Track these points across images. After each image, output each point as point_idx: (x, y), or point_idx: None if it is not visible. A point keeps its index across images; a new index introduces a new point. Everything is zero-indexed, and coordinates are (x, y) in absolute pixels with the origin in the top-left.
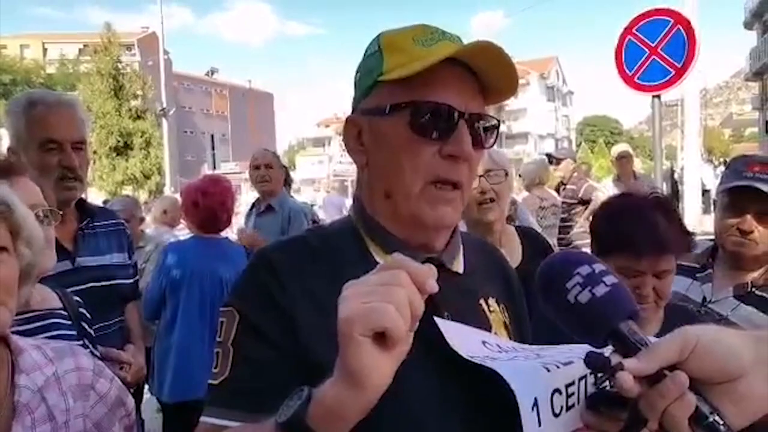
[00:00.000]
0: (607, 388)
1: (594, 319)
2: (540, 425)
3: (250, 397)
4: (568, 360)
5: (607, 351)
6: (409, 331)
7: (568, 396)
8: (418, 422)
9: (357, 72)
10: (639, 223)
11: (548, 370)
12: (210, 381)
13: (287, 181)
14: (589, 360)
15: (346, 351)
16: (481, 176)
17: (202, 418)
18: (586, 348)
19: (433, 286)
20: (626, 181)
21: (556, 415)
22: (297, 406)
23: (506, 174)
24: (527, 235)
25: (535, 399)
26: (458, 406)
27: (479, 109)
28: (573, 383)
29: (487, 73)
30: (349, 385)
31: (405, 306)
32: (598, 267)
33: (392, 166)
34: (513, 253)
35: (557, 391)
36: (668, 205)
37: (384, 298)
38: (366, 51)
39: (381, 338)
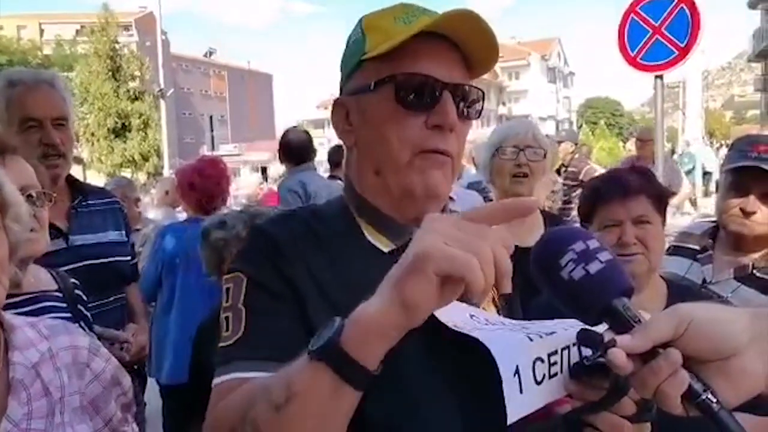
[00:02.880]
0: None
1: (587, 295)
2: (521, 392)
3: (270, 348)
4: (552, 331)
5: (601, 328)
6: (490, 287)
7: (551, 365)
8: (410, 396)
9: (342, 59)
10: (607, 179)
11: (531, 339)
12: (221, 344)
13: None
14: (582, 337)
15: (410, 281)
16: (521, 150)
17: (220, 378)
18: (573, 322)
19: (511, 245)
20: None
21: (538, 383)
22: (330, 334)
23: (545, 155)
24: (552, 220)
25: (517, 366)
26: (447, 377)
27: (463, 80)
28: (556, 352)
29: (467, 43)
30: (400, 308)
31: (489, 262)
32: (593, 243)
33: (380, 141)
34: (534, 233)
35: (539, 359)
36: (642, 167)
37: (470, 249)
38: (349, 38)
39: (447, 281)
